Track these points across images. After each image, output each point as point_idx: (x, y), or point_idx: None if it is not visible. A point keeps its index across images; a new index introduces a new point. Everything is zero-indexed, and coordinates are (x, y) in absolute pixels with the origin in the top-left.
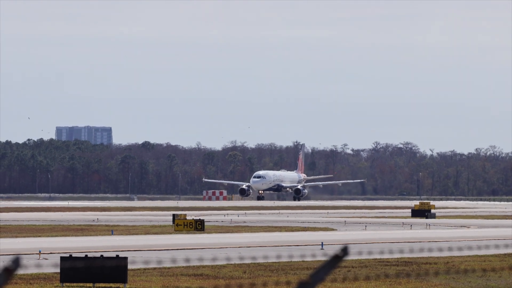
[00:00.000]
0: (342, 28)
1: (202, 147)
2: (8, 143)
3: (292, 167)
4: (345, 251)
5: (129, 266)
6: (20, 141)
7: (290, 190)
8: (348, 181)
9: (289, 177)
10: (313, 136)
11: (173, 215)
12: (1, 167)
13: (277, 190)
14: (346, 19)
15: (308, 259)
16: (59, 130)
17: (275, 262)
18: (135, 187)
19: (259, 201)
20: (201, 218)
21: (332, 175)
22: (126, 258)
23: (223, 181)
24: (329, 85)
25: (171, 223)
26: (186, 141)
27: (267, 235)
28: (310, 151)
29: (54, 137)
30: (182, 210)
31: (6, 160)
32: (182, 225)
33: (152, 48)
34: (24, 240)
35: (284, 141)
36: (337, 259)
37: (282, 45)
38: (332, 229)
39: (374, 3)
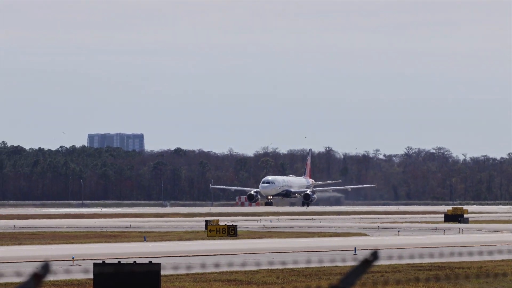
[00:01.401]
0: (372, 33)
1: (234, 153)
2: (40, 150)
3: (324, 172)
4: (375, 255)
5: (162, 272)
6: (53, 148)
7: (298, 195)
8: (358, 186)
9: (297, 182)
10: (345, 142)
11: (206, 221)
12: (34, 174)
13: (286, 196)
14: (376, 24)
15: (341, 264)
16: (91, 137)
17: (308, 268)
18: (167, 194)
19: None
20: (234, 223)
21: (340, 181)
22: (159, 264)
23: (230, 187)
24: (361, 90)
25: (204, 229)
26: (218, 147)
27: (300, 241)
28: (342, 156)
29: (86, 144)
30: (214, 216)
31: (39, 167)
32: (215, 231)
33: (183, 54)
34: (58, 247)
35: (316, 146)
36: (367, 264)
37: (313, 50)
38: (365, 235)
39: (404, 7)
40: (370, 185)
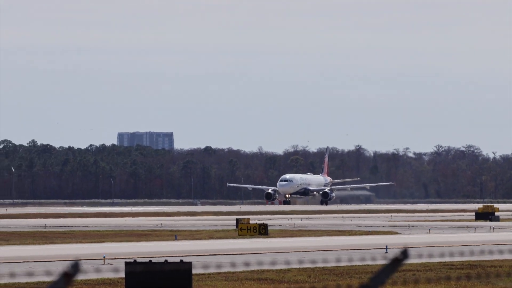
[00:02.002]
0: (401, 31)
1: (264, 152)
2: (70, 149)
3: (353, 171)
4: (405, 254)
5: (194, 271)
6: (83, 147)
7: (317, 193)
8: (375, 184)
9: (315, 180)
10: (375, 140)
11: (237, 219)
12: (64, 173)
13: (304, 194)
14: (403, 22)
15: (372, 263)
16: (121, 136)
17: (339, 266)
18: (197, 192)
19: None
20: (265, 222)
21: (359, 178)
22: (190, 262)
23: (247, 185)
24: (390, 88)
25: (234, 227)
26: (247, 146)
27: (331, 239)
28: (372, 155)
29: (116, 143)
30: (245, 215)
31: (69, 166)
32: (245, 229)
33: (213, 53)
34: (89, 246)
35: (345, 145)
36: (397, 262)
37: (338, 47)
38: (396, 233)
39: (434, 6)
40: (389, 183)
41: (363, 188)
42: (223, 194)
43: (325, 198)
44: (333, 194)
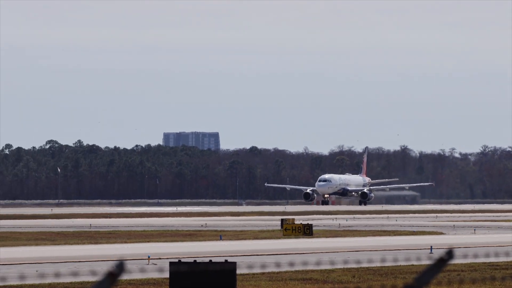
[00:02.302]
0: (447, 32)
1: (310, 152)
2: (116, 149)
3: (399, 171)
4: (450, 254)
5: (238, 271)
6: (128, 147)
7: (355, 194)
8: (414, 184)
9: (354, 180)
10: (421, 140)
11: (282, 219)
12: (110, 173)
13: (343, 194)
14: (452, 23)
15: (417, 263)
16: (166, 136)
17: (383, 266)
18: (243, 192)
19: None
20: (309, 222)
21: (397, 179)
22: (235, 263)
23: (286, 186)
24: (436, 89)
25: (279, 227)
26: (293, 146)
27: (376, 239)
28: (418, 155)
29: (161, 143)
30: (290, 215)
31: (115, 167)
32: (290, 229)
33: (258, 54)
34: (134, 246)
35: (391, 145)
36: (442, 263)
37: (385, 48)
38: (441, 233)
39: (478, 5)
40: (428, 183)
41: (402, 189)
42: (268, 194)
43: (364, 198)
44: (372, 195)
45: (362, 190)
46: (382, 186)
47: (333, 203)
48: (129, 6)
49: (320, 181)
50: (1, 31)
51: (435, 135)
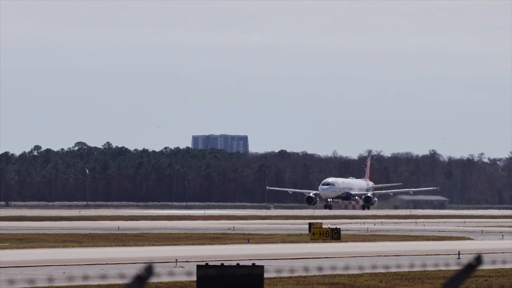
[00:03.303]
0: (475, 36)
1: (338, 156)
2: (145, 151)
3: (427, 176)
4: (478, 260)
5: (265, 275)
6: (157, 150)
7: (359, 198)
8: (419, 189)
9: (357, 184)
10: (450, 145)
11: (309, 223)
12: (138, 175)
13: (346, 198)
14: (482, 27)
15: (445, 268)
16: (195, 139)
17: (411, 271)
18: (271, 196)
19: (364, 210)
20: (337, 226)
21: (401, 183)
22: (262, 266)
23: (288, 189)
24: (465, 93)
25: (307, 231)
26: (322, 150)
27: (404, 244)
28: (446, 160)
29: (190, 146)
30: (318, 219)
31: (143, 169)
32: (318, 233)
33: (288, 56)
34: (161, 249)
35: (420, 150)
36: (470, 268)
37: (413, 52)
38: (469, 239)
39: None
40: (432, 188)
41: (407, 193)
42: (297, 198)
43: (367, 203)
44: (375, 199)
45: (365, 194)
46: (386, 191)
47: (340, 207)
48: (159, 8)
49: (323, 184)
50: (27, 34)
51: (464, 140)
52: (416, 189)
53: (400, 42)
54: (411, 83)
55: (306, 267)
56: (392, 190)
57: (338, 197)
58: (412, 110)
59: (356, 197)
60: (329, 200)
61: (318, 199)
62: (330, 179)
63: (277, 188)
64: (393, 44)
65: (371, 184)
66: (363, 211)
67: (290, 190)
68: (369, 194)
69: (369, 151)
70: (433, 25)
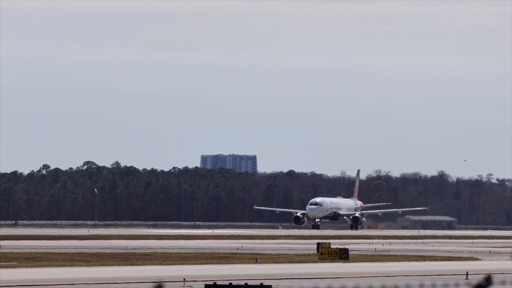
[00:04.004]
0: (482, 57)
1: (347, 176)
2: (153, 171)
3: (436, 196)
4: (488, 280)
5: None
6: (166, 169)
7: (347, 218)
8: (407, 209)
9: (346, 204)
10: (458, 166)
11: (318, 243)
12: (147, 195)
13: (334, 218)
14: (491, 48)
15: None
16: (204, 158)
17: None
18: (279, 216)
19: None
20: (346, 247)
21: (390, 203)
22: (270, 286)
23: (275, 209)
24: (472, 114)
25: (315, 251)
26: (330, 170)
27: (412, 264)
28: (455, 180)
29: (199, 165)
30: (326, 239)
31: (152, 188)
32: (326, 253)
33: (296, 76)
34: (169, 268)
35: (428, 170)
36: None
37: (421, 72)
38: (477, 259)
39: None
40: (422, 208)
41: (396, 213)
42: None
43: (355, 223)
44: (364, 219)
45: (353, 214)
46: (374, 211)
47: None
48: (168, 28)
49: (311, 204)
50: (39, 53)
51: (473, 160)
52: (405, 209)
53: (409, 62)
54: (419, 103)
55: (314, 287)
56: (380, 210)
57: (326, 217)
58: (421, 130)
59: (345, 217)
60: (316, 220)
61: (305, 218)
62: (317, 199)
63: (264, 208)
64: (401, 64)
65: (359, 203)
66: (368, 231)
67: (278, 209)
68: (357, 214)
69: (358, 171)
70: (441, 45)
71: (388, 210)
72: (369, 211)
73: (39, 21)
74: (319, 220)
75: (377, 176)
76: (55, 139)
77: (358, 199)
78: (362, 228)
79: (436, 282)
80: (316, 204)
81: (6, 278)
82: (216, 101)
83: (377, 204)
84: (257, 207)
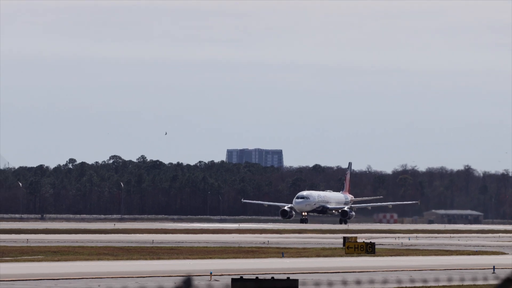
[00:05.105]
0: (509, 53)
1: (373, 171)
2: (179, 165)
3: (462, 190)
4: None
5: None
6: (192, 163)
7: (335, 212)
8: (397, 202)
9: (335, 198)
10: (484, 159)
11: (344, 237)
12: (173, 189)
13: (322, 212)
14: (506, 45)
15: (480, 282)
16: (229, 153)
17: (445, 286)
18: (247, 209)
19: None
20: (372, 241)
21: (381, 197)
22: (296, 280)
23: (263, 202)
24: (498, 108)
25: (341, 245)
26: (357, 164)
27: (438, 259)
28: (481, 175)
29: (225, 160)
30: (352, 233)
31: (178, 182)
32: (352, 247)
33: (321, 72)
34: (196, 262)
35: (454, 164)
36: (509, 282)
37: (447, 68)
38: (504, 253)
39: None
40: (412, 202)
41: (386, 207)
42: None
43: (344, 217)
44: (353, 213)
45: (342, 208)
46: (364, 205)
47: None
48: (193, 24)
49: (297, 198)
50: (65, 50)
51: (499, 154)
52: (396, 202)
53: (434, 58)
54: (445, 98)
55: (341, 281)
56: (371, 204)
57: (313, 210)
58: (447, 124)
59: (333, 211)
60: (304, 213)
61: (293, 212)
62: (304, 192)
63: (253, 201)
64: (427, 61)
65: (350, 197)
66: (394, 225)
67: (266, 203)
68: (345, 208)
69: (350, 164)
70: (468, 41)
71: (378, 204)
72: (359, 205)
73: (76, 18)
74: (306, 214)
75: (403, 170)
76: (81, 133)
77: (351, 193)
78: (351, 222)
79: (464, 276)
80: (302, 197)
81: (33, 271)
82: (242, 96)
83: (368, 198)
84: (245, 200)
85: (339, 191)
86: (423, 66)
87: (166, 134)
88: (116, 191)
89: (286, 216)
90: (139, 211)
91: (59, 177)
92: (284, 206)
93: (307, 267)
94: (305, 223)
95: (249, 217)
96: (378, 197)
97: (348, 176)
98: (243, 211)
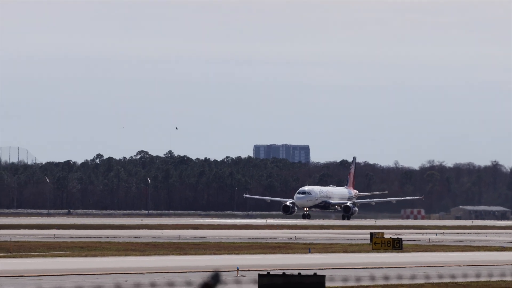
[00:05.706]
0: None
1: (400, 166)
2: (206, 160)
3: (489, 186)
4: None
5: (327, 284)
6: (219, 159)
7: (338, 207)
8: (406, 198)
9: (338, 193)
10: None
11: (371, 233)
12: (200, 184)
13: (324, 208)
14: None
15: (508, 278)
16: (257, 148)
17: (473, 282)
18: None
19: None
20: (399, 236)
21: (387, 192)
22: (324, 276)
23: (265, 197)
24: None
25: (368, 241)
26: (384, 160)
27: (466, 254)
28: (509, 171)
29: (252, 155)
30: (379, 229)
31: (204, 178)
32: (379, 243)
33: (347, 66)
34: (223, 257)
35: (482, 160)
36: None
37: (474, 62)
38: None
39: None
40: (416, 197)
41: (389, 202)
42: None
43: (347, 212)
44: (356, 208)
45: (345, 203)
46: (368, 200)
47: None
48: (222, 19)
49: (299, 193)
50: (87, 44)
51: None
52: (399, 198)
53: (462, 53)
54: (472, 93)
55: (368, 277)
56: (375, 199)
57: (315, 206)
58: (474, 120)
59: (336, 206)
60: (306, 209)
61: (296, 208)
62: (306, 188)
63: (254, 196)
64: (454, 56)
65: (354, 192)
66: (421, 221)
67: (268, 198)
68: (348, 204)
69: (354, 158)
70: (491, 36)
71: (384, 199)
72: (362, 201)
73: (84, 13)
74: (308, 209)
75: (430, 166)
76: (108, 129)
77: (355, 188)
78: (355, 217)
79: (492, 272)
80: (304, 192)
81: (60, 267)
82: (269, 91)
83: (372, 193)
84: (247, 195)
85: (343, 186)
86: (451, 62)
87: (177, 129)
88: (143, 187)
89: (288, 211)
90: (166, 207)
91: (86, 172)
92: (286, 201)
93: (334, 262)
94: (308, 218)
95: (277, 212)
96: (383, 192)
97: (352, 171)
98: (270, 206)
